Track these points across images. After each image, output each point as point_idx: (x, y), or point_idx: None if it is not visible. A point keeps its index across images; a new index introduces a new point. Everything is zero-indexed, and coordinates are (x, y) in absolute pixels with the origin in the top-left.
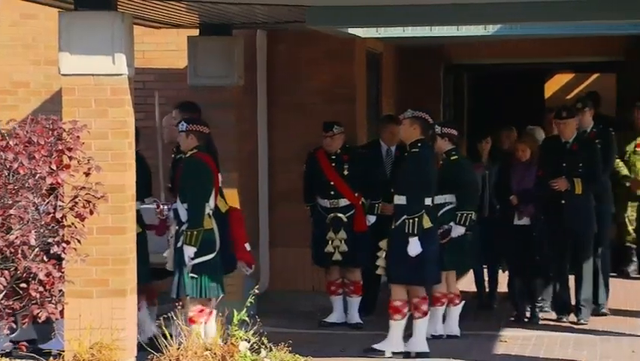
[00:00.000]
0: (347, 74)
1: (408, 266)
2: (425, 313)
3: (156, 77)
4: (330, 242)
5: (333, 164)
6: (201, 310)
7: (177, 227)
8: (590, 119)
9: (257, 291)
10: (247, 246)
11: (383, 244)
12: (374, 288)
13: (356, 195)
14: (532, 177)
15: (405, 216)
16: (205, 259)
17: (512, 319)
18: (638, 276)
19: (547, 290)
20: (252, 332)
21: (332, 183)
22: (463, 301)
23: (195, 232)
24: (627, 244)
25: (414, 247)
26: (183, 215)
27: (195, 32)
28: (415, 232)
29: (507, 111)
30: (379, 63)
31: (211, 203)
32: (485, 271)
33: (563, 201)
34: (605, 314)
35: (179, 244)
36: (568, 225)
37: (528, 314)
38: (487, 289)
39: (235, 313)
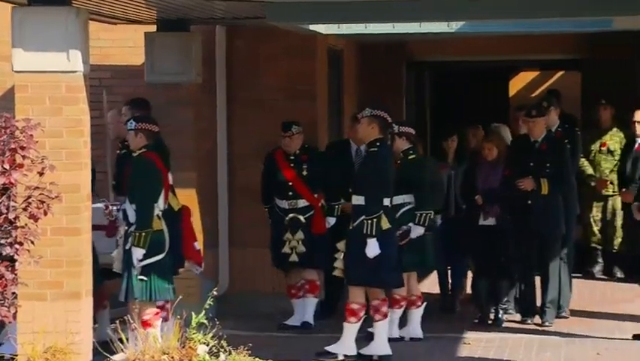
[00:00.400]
0: (308, 71)
1: (366, 268)
2: (385, 315)
3: (113, 73)
4: (287, 243)
5: (292, 164)
6: (157, 313)
7: (126, 228)
8: (555, 118)
9: (216, 293)
10: (196, 245)
11: (341, 245)
12: (336, 291)
13: (316, 196)
14: (498, 177)
15: (363, 217)
16: (154, 260)
17: (476, 321)
18: (603, 277)
19: (512, 292)
20: (210, 335)
21: (290, 183)
22: (425, 303)
23: (144, 234)
24: (592, 245)
25: (372, 249)
26: (132, 216)
27: (152, 28)
28: (374, 233)
29: (471, 109)
30: (341, 60)
31: (160, 204)
32: (450, 272)
33: (530, 202)
34: (564, 317)
35: (127, 246)
36: (534, 226)
37: (492, 316)
38: (450, 291)
39: (193, 315)
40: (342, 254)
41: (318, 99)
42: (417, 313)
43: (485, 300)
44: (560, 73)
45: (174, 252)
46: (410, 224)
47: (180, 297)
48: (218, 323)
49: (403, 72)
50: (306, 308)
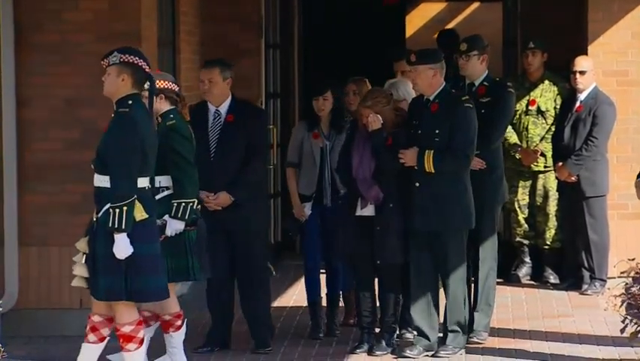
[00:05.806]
0: (127, 2)
1: (117, 274)
2: (141, 343)
3: None
4: None
5: None
6: None
7: None
8: (479, 67)
9: (0, 309)
10: None
11: (81, 244)
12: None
13: None
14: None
15: (109, 205)
16: None
17: (357, 346)
18: (531, 283)
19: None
20: None
21: None
22: (185, 320)
23: None
24: (518, 240)
25: (121, 247)
26: None
27: None
28: (123, 226)
29: (354, 55)
30: None
31: None
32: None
33: (418, 184)
34: (477, 343)
35: None
36: (418, 221)
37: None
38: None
39: None
40: (84, 257)
41: (144, 41)
42: (178, 338)
43: (368, 319)
44: (475, 5)
45: None
46: (166, 217)
47: None
48: (2, 349)
49: (260, 0)
50: None
